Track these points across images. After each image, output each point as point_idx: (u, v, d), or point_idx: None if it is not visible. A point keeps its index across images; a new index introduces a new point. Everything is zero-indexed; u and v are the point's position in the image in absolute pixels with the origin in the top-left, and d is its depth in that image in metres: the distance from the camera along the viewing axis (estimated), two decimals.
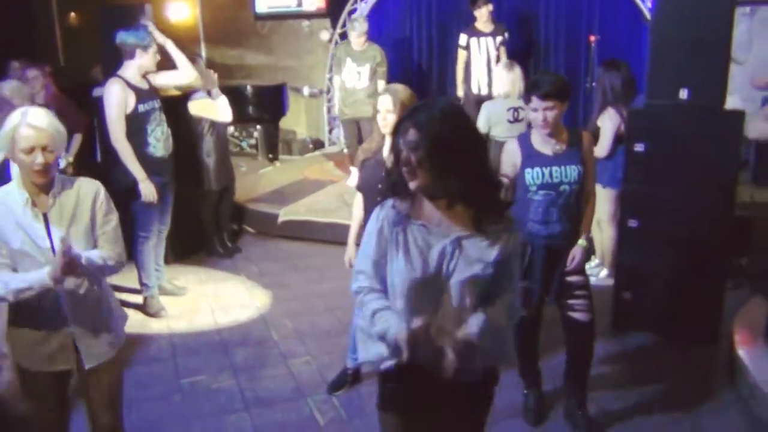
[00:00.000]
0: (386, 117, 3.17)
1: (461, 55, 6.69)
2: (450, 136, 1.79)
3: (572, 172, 3.08)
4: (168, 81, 4.81)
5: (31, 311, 2.41)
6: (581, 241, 3.22)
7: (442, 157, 1.79)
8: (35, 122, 2.30)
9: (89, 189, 2.47)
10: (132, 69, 4.35)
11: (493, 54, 6.55)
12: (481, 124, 4.95)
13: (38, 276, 2.29)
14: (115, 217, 2.53)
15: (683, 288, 4.04)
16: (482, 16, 6.52)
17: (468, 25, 6.74)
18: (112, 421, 2.65)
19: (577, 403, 3.31)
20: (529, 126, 3.22)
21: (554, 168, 3.08)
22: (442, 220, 1.89)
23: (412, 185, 1.84)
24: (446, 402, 2.03)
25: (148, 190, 4.33)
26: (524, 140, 3.17)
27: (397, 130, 1.86)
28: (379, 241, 1.94)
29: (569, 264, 3.19)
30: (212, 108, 5.29)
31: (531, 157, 3.10)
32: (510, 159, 3.17)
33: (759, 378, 3.40)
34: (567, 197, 3.10)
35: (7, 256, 2.35)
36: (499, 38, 6.58)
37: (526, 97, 3.10)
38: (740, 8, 6.26)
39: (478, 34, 6.58)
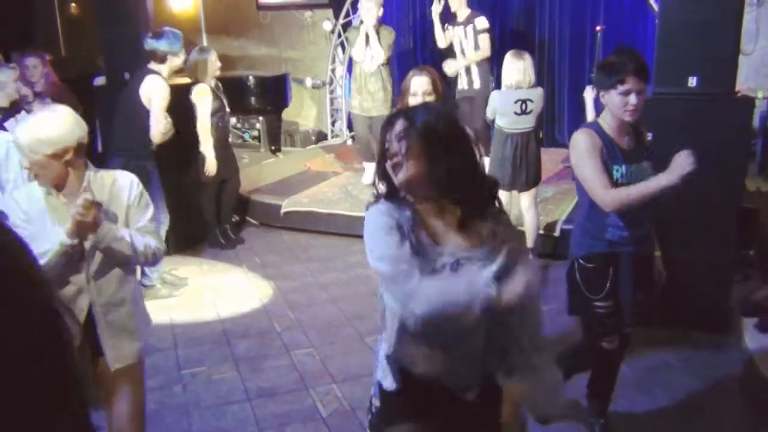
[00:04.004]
0: (425, 100, 2.98)
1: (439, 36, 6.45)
2: (437, 123, 1.74)
3: (647, 168, 2.75)
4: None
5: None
6: (659, 252, 2.95)
7: (430, 144, 1.72)
8: (27, 151, 2.22)
9: (123, 183, 2.41)
10: (166, 71, 4.58)
11: (468, 43, 6.19)
12: (488, 112, 4.89)
13: (54, 236, 2.21)
14: (151, 209, 2.48)
15: (692, 279, 3.98)
16: (453, 4, 6.19)
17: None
18: None
19: (598, 412, 3.10)
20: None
21: (635, 165, 2.73)
22: (442, 232, 1.78)
23: (400, 177, 1.74)
24: (451, 417, 1.94)
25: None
26: (600, 132, 2.74)
27: (385, 128, 1.80)
28: (398, 234, 1.75)
29: (658, 280, 2.94)
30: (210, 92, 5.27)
31: (616, 152, 2.71)
32: (599, 149, 2.71)
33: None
34: None
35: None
36: (470, 26, 6.13)
37: (615, 77, 2.63)
38: None
39: (452, 22, 6.27)
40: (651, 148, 2.89)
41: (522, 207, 4.89)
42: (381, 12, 6.22)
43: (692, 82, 3.83)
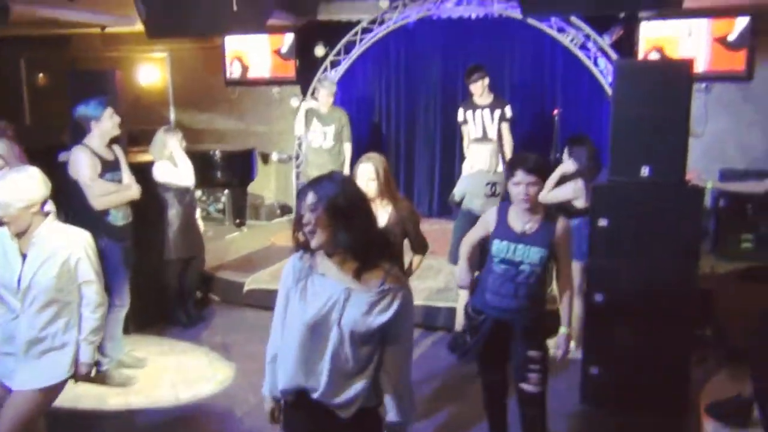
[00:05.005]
0: (368, 185, 3.43)
1: (463, 131, 6.59)
2: (340, 197, 2.11)
3: (535, 254, 3.15)
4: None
5: None
6: (563, 329, 3.27)
7: (334, 216, 2.09)
8: (3, 205, 2.74)
9: (65, 246, 2.87)
10: (95, 139, 4.46)
11: (492, 128, 6.35)
12: (456, 193, 5.00)
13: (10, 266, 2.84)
14: (95, 269, 2.97)
15: (650, 361, 4.05)
16: (477, 89, 6.37)
17: (464, 99, 6.75)
18: None
19: None
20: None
21: (519, 246, 3.18)
22: (337, 272, 2.18)
23: (314, 243, 2.13)
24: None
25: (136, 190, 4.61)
26: (502, 211, 3.32)
27: (299, 197, 2.19)
28: (283, 291, 2.28)
29: (556, 354, 3.29)
30: (176, 172, 5.29)
31: (502, 229, 3.25)
32: (485, 225, 3.36)
33: None
34: (526, 276, 3.19)
35: None
36: (497, 111, 6.38)
37: (510, 170, 3.19)
38: (696, 84, 6.54)
39: (474, 107, 6.45)
40: (563, 240, 3.25)
41: None
42: (333, 98, 6.88)
43: (645, 171, 3.99)
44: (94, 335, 3.00)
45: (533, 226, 3.19)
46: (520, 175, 3.12)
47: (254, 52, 8.75)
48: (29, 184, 2.79)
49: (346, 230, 2.11)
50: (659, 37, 7.05)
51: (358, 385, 2.19)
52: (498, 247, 3.22)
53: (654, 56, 7.02)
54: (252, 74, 8.84)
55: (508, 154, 6.20)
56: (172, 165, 5.29)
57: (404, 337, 2.25)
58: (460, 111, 6.59)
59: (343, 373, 2.17)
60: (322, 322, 2.15)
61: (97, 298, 2.98)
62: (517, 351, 3.26)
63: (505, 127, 6.40)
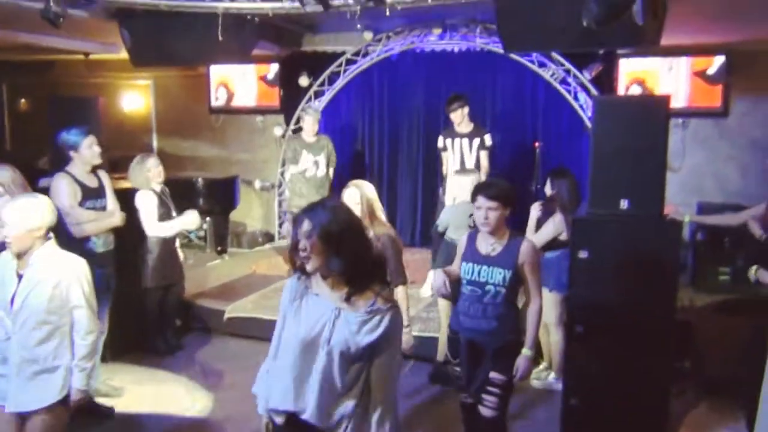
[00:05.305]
0: (354, 209, 3.46)
1: (443, 157, 6.62)
2: (333, 225, 2.21)
3: (498, 275, 3.28)
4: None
5: None
6: (525, 351, 3.31)
7: (328, 243, 2.19)
8: (11, 226, 2.93)
9: (59, 271, 3.00)
10: (77, 166, 4.51)
11: (470, 157, 6.39)
12: (440, 224, 5.03)
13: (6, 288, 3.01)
14: (86, 301, 3.06)
15: (629, 393, 4.06)
16: (457, 118, 6.40)
17: (445, 126, 6.82)
18: None
19: None
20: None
21: (483, 267, 3.33)
22: (329, 293, 2.28)
23: (309, 268, 2.23)
24: None
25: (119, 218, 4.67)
26: (472, 236, 3.49)
27: (295, 223, 2.28)
28: (281, 310, 2.38)
29: (515, 375, 3.31)
30: (157, 222, 5.24)
31: (469, 252, 3.43)
32: (460, 251, 3.50)
33: None
34: (492, 297, 3.32)
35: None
36: (476, 140, 6.41)
37: (474, 196, 3.36)
38: (674, 119, 6.69)
39: (454, 135, 6.50)
40: (529, 261, 3.37)
41: None
42: (318, 126, 6.91)
43: (624, 204, 4.03)
44: (86, 361, 3.07)
45: (497, 248, 3.35)
46: (480, 200, 3.30)
47: (240, 78, 8.83)
48: (38, 209, 2.99)
49: (339, 256, 2.21)
50: (640, 71, 7.23)
51: (345, 407, 2.24)
52: (465, 269, 3.38)
53: (635, 89, 7.20)
54: (236, 102, 8.92)
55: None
56: (153, 194, 5.26)
57: (391, 357, 2.29)
58: (441, 138, 6.63)
59: (331, 393, 2.23)
60: (313, 340, 2.24)
61: (87, 324, 3.08)
62: (482, 372, 3.35)
63: (484, 155, 6.42)
